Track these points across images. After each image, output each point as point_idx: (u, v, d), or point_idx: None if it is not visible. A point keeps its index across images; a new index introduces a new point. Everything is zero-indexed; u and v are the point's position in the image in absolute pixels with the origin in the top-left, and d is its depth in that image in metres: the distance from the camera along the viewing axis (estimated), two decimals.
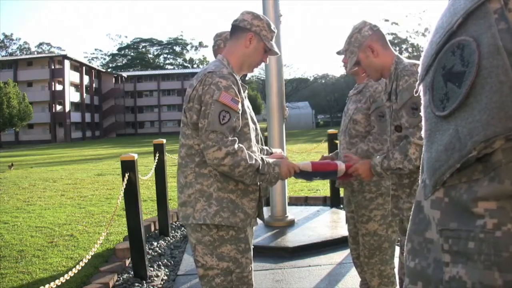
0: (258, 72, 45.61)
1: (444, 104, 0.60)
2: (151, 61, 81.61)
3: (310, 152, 12.29)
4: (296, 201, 6.08)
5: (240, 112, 1.78)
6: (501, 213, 0.54)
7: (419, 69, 0.69)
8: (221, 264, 1.81)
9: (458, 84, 0.58)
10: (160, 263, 3.85)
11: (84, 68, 50.95)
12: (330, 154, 2.68)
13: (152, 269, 3.68)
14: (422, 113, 0.67)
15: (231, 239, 1.81)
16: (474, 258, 0.55)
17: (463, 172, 0.58)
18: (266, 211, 4.91)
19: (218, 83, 1.73)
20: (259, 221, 2.01)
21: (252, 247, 1.93)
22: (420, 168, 0.69)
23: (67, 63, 46.90)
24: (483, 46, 0.55)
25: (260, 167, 1.78)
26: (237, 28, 1.90)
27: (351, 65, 2.03)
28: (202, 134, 1.72)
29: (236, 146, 1.72)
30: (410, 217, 0.69)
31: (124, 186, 3.26)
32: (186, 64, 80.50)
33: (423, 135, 0.67)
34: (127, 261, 3.80)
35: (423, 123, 0.67)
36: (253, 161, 1.75)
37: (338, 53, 2.67)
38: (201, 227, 1.81)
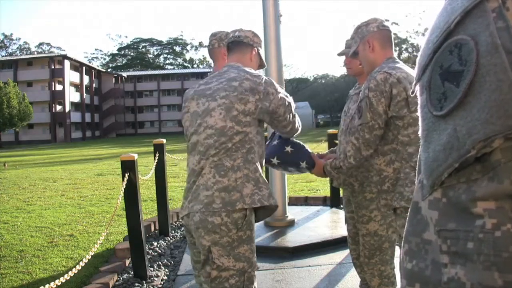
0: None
1: (441, 103, 0.59)
2: (151, 61, 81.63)
3: None
4: (296, 201, 6.08)
5: None
6: (500, 213, 0.53)
7: (416, 69, 0.69)
8: (238, 264, 1.81)
9: (456, 83, 0.57)
10: (160, 263, 3.85)
11: (84, 68, 50.96)
12: (326, 152, 2.71)
13: (152, 269, 3.68)
14: (419, 113, 0.66)
15: (248, 239, 1.83)
16: (473, 259, 0.54)
17: (462, 172, 0.57)
18: None
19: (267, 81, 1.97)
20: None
21: None
22: (417, 168, 0.68)
23: (67, 63, 46.91)
24: (481, 44, 0.54)
25: None
26: (241, 43, 2.07)
27: (351, 52, 2.25)
28: (285, 120, 1.99)
29: None
30: (407, 218, 0.68)
31: (124, 186, 3.26)
32: (186, 64, 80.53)
33: (420, 135, 0.66)
34: (127, 261, 3.80)
35: (419, 123, 0.66)
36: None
37: (339, 54, 2.68)
38: (220, 228, 1.78)
